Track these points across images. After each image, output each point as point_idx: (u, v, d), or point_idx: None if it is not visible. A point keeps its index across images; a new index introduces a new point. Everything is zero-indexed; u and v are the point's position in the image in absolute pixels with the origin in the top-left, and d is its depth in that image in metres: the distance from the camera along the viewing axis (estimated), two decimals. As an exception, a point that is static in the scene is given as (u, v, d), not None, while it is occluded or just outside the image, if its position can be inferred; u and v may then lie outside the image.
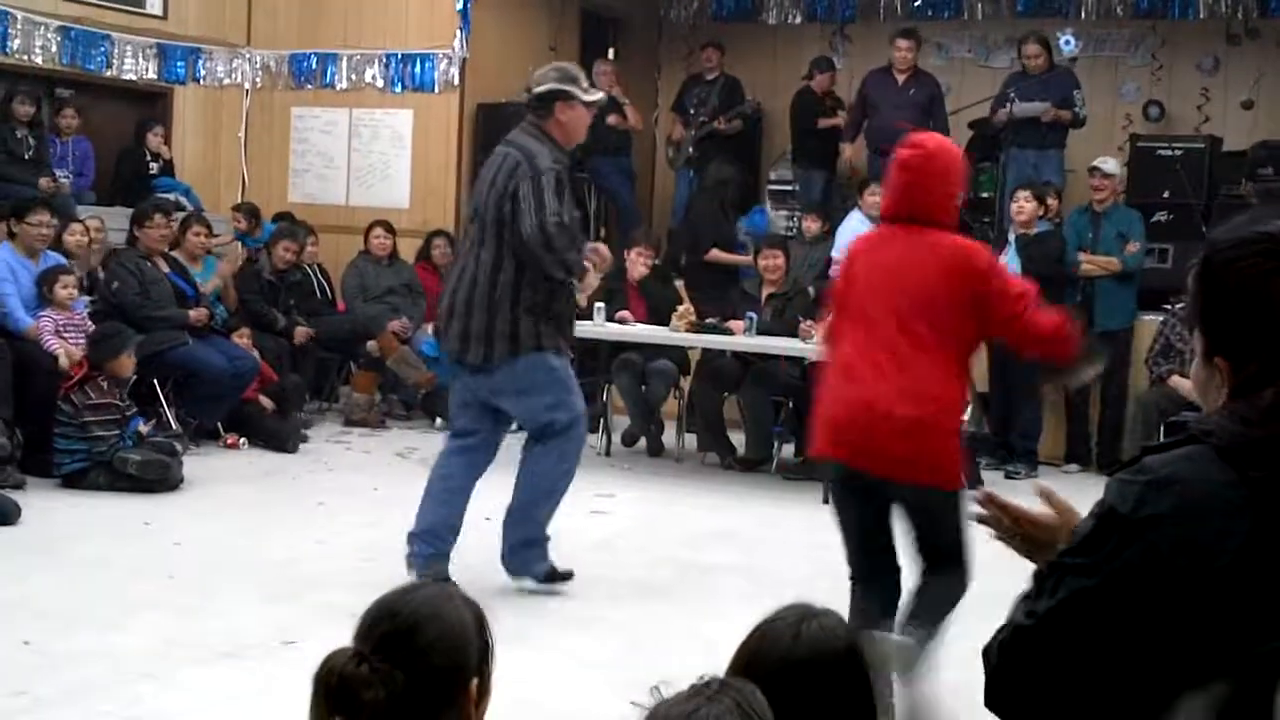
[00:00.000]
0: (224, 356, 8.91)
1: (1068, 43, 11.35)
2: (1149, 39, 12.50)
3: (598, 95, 6.07)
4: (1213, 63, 12.30)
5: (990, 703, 1.82)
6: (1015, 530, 2.08)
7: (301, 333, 9.99)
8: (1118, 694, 1.73)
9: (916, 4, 11.95)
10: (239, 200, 11.78)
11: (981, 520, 2.12)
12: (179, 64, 11.79)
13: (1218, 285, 1.78)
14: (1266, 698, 1.65)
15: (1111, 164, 9.54)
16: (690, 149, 12.11)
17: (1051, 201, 9.77)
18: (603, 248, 6.35)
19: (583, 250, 5.89)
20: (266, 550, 6.54)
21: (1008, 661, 1.80)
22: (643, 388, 9.37)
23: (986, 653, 1.83)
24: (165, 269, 9.03)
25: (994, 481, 8.71)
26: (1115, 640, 1.71)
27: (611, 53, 12.83)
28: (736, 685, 1.84)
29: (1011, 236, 9.28)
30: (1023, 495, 2.18)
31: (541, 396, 5.80)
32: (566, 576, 6.02)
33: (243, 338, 9.33)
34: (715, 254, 10.38)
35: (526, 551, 5.98)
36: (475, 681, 1.99)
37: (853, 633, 2.12)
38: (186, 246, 9.43)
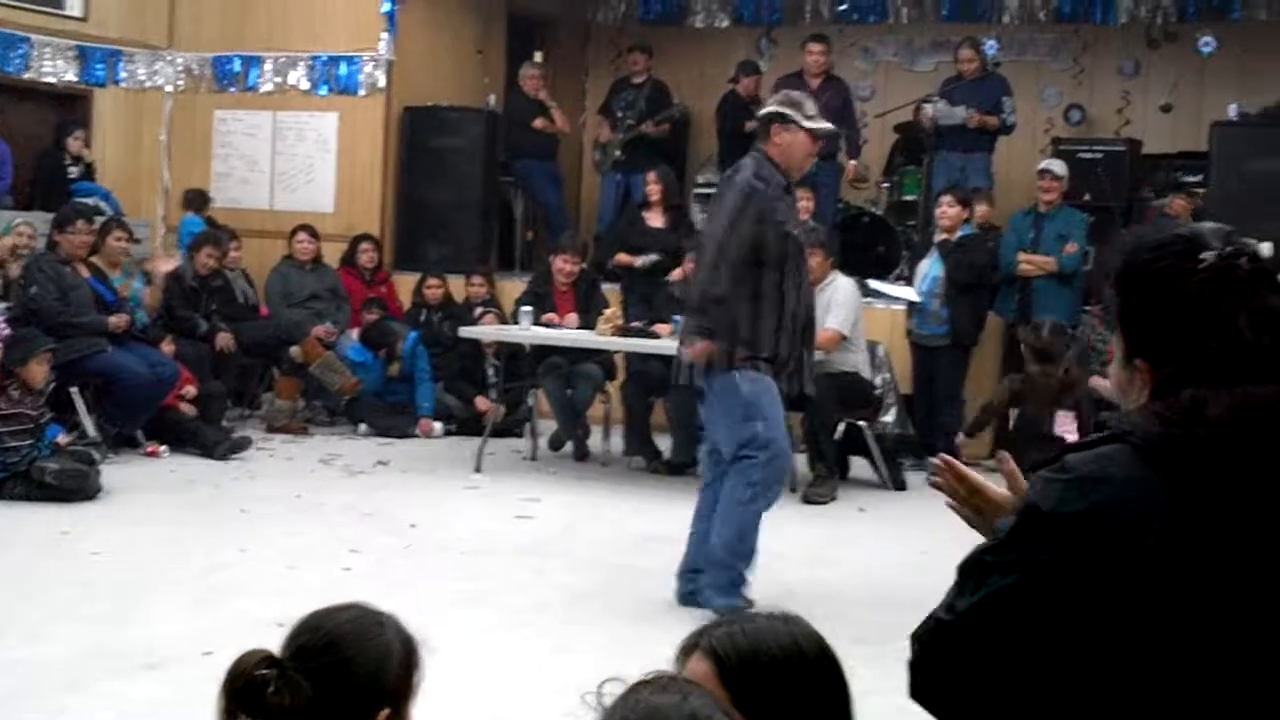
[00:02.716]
0: (144, 363, 8.78)
1: (990, 47, 11.47)
2: (1070, 43, 12.66)
3: (823, 125, 5.96)
4: (1133, 67, 12.48)
5: (914, 694, 1.84)
6: (968, 500, 2.08)
7: (224, 339, 9.87)
8: (1038, 689, 1.74)
9: (842, 8, 12.02)
10: (160, 204, 11.63)
11: (937, 486, 2.12)
12: (99, 66, 11.63)
13: (1135, 288, 1.81)
14: (1183, 693, 1.66)
15: (1060, 166, 9.63)
16: (617, 152, 12.10)
17: (981, 208, 9.82)
18: None
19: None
20: (187, 559, 6.44)
21: (929, 655, 1.81)
22: (569, 392, 9.34)
23: (912, 642, 1.83)
24: (85, 274, 8.90)
25: (917, 483, 8.78)
26: (1034, 637, 1.72)
27: (538, 56, 12.80)
28: (698, 685, 1.82)
29: (936, 241, 9.34)
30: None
31: None
32: None
33: (167, 344, 9.23)
34: (621, 257, 10.34)
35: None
36: (387, 711, 2.00)
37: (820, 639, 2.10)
38: (106, 252, 9.27)
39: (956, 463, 2.11)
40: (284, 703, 1.92)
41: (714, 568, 5.79)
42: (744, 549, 5.79)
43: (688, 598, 5.90)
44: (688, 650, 1.94)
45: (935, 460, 2.16)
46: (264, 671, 1.95)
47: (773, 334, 5.74)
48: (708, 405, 5.93)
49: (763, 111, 5.92)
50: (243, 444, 9.01)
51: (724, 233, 5.68)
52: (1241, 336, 1.73)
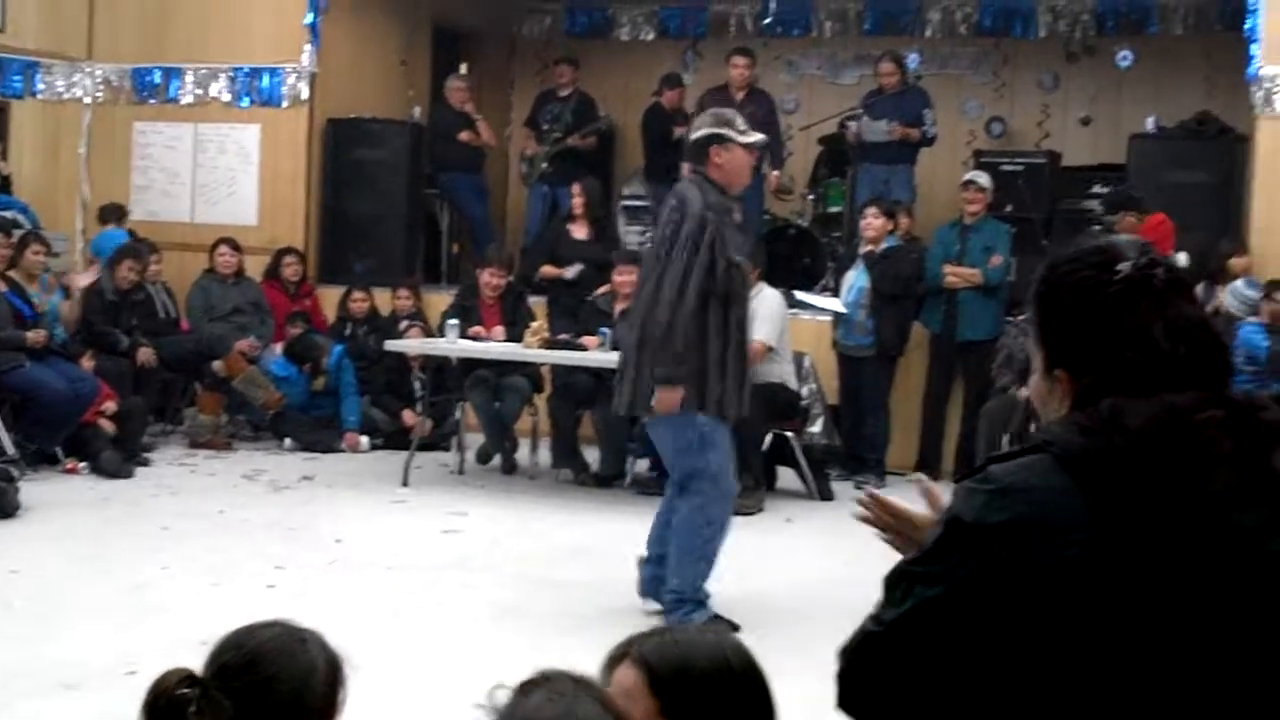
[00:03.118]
0: (63, 378, 8.65)
1: (912, 61, 11.59)
2: (991, 57, 12.82)
3: (757, 137, 5.96)
4: (1052, 80, 12.65)
5: (841, 705, 1.84)
6: (894, 528, 2.10)
7: (145, 354, 9.75)
8: (965, 699, 1.74)
9: (767, 21, 12.09)
10: (79, 217, 11.48)
11: (865, 520, 2.13)
12: (16, 77, 11.46)
13: (1054, 299, 1.83)
14: (1107, 700, 1.67)
15: (985, 178, 9.70)
16: (544, 165, 12.09)
17: (904, 220, 9.91)
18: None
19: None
20: (108, 577, 6.35)
21: (857, 666, 1.82)
22: (496, 405, 9.32)
23: (840, 655, 1.84)
24: (2, 289, 8.76)
25: (844, 493, 8.83)
26: (961, 647, 1.73)
27: (464, 68, 12.78)
28: (586, 679, 1.82)
29: (861, 252, 9.40)
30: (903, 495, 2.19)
31: None
32: None
33: (87, 360, 9.10)
34: (546, 269, 10.34)
35: None
36: None
37: (747, 652, 2.11)
38: (24, 265, 9.13)
39: (880, 495, 2.14)
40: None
41: (684, 604, 5.82)
42: (704, 581, 5.89)
43: (649, 584, 5.99)
44: (616, 659, 1.94)
45: (861, 495, 2.17)
46: (185, 690, 1.92)
47: (732, 375, 5.76)
48: (654, 425, 5.97)
49: (697, 135, 5.88)
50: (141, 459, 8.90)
51: (684, 266, 5.61)
52: (1158, 346, 1.75)
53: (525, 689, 1.76)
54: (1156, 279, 1.77)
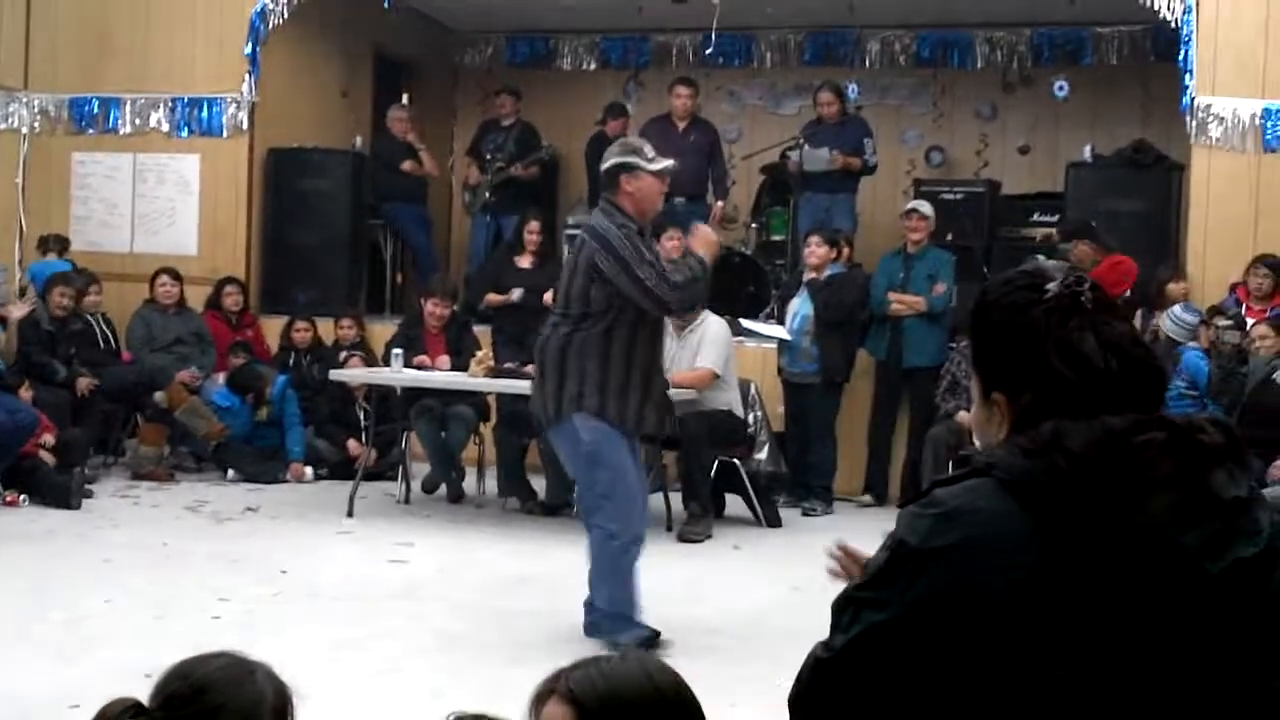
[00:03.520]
0: (2, 410, 8.55)
1: (852, 91, 11.70)
2: (930, 87, 12.97)
3: (664, 163, 6.00)
4: (990, 110, 12.81)
5: None
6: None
7: (84, 383, 9.66)
8: (917, 723, 1.76)
9: (708, 52, 12.18)
10: (16, 248, 11.37)
11: (835, 574, 2.14)
12: (-48, 107, 11.35)
13: (986, 322, 1.87)
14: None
15: (927, 206, 9.80)
16: (487, 194, 12.10)
17: (846, 250, 9.97)
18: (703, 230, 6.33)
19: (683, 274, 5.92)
20: (50, 610, 6.26)
21: (808, 693, 1.82)
22: (443, 434, 9.29)
23: (794, 681, 1.85)
24: (-62, 320, 8.67)
25: (791, 519, 8.86)
26: (910, 671, 1.74)
27: (406, 97, 12.77)
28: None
29: (805, 280, 9.45)
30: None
31: None
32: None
33: (25, 390, 9.00)
34: (490, 297, 10.33)
35: None
36: None
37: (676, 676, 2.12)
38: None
39: (849, 545, 2.15)
40: None
41: (607, 621, 5.88)
42: (628, 598, 5.91)
43: (591, 628, 5.97)
44: (544, 696, 1.94)
45: (832, 548, 2.19)
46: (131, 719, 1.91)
47: (622, 384, 5.82)
48: (555, 435, 6.08)
49: (607, 165, 6.00)
50: (84, 490, 8.81)
51: (629, 272, 5.71)
52: (1089, 362, 1.77)
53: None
54: (1085, 297, 1.80)
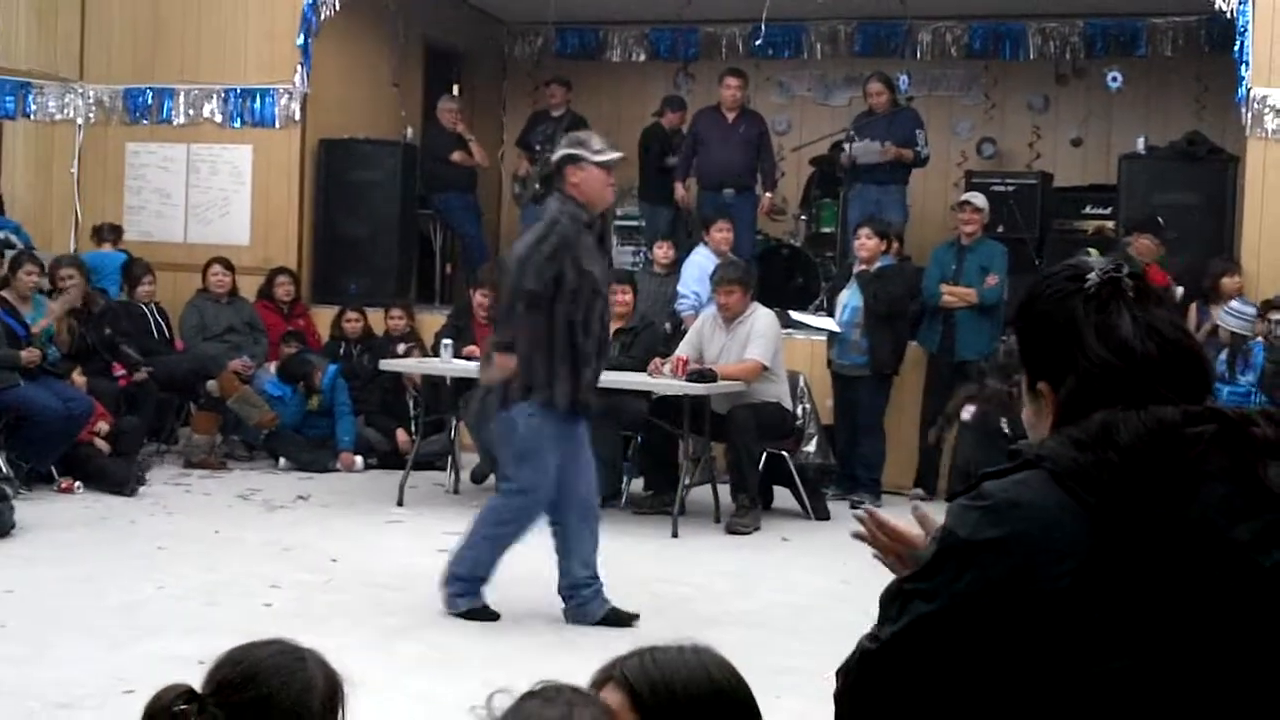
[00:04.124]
0: (57, 398, 8.65)
1: (902, 83, 11.64)
2: (982, 78, 12.90)
3: (612, 155, 6.21)
4: (1043, 101, 12.72)
5: None
6: (890, 548, 2.11)
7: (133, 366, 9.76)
8: (963, 715, 1.75)
9: (757, 43, 12.15)
10: (72, 238, 11.49)
11: (860, 537, 2.15)
12: (8, 98, 11.47)
13: (1030, 315, 1.87)
14: (1103, 717, 1.69)
15: (981, 198, 9.73)
16: (537, 185, 12.10)
17: (895, 244, 9.92)
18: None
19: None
20: (103, 597, 6.34)
21: (855, 684, 1.83)
22: (491, 424, 9.30)
23: (838, 674, 1.85)
24: (-4, 309, 8.77)
25: (840, 512, 8.84)
26: (957, 663, 1.74)
27: (456, 89, 12.81)
28: (585, 690, 1.84)
29: (854, 272, 9.42)
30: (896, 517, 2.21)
31: None
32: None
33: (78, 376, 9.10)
34: None
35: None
36: None
37: (731, 668, 2.13)
38: (17, 286, 9.14)
39: (877, 512, 2.15)
40: None
41: (457, 582, 6.20)
42: (485, 571, 6.23)
43: (575, 613, 6.25)
44: (600, 683, 1.95)
45: (858, 513, 2.20)
46: (183, 706, 1.92)
47: (564, 371, 6.03)
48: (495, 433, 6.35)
49: (555, 158, 6.24)
50: (142, 476, 8.90)
51: (523, 259, 6.00)
52: (1126, 344, 1.77)
53: (526, 695, 1.78)
54: (1125, 284, 1.81)
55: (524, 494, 6.16)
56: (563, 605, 6.26)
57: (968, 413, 8.44)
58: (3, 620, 5.89)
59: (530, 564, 7.36)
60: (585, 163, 6.09)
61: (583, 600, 6.21)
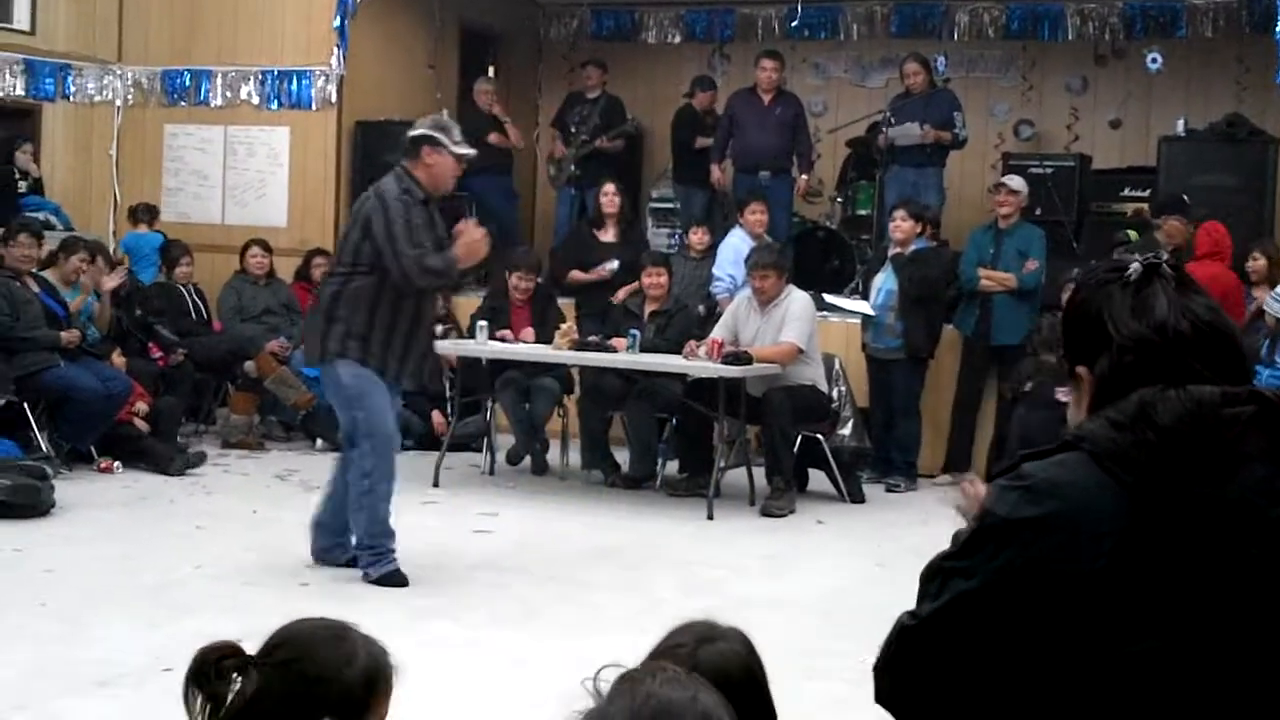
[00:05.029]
0: (96, 378, 8.72)
1: (939, 64, 11.56)
2: (1019, 60, 12.79)
3: (467, 150, 6.42)
4: (1081, 83, 12.62)
5: (879, 699, 1.87)
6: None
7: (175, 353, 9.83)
8: (999, 692, 1.76)
9: (793, 25, 12.09)
10: (110, 219, 11.56)
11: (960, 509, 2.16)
12: (48, 80, 11.55)
13: (1072, 304, 1.90)
14: (1138, 696, 1.69)
15: (1018, 181, 9.65)
16: (572, 167, 12.12)
17: (929, 227, 9.86)
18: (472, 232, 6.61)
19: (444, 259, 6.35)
20: (142, 575, 6.40)
21: (894, 660, 1.85)
22: (526, 406, 9.34)
23: (882, 648, 1.87)
24: (35, 289, 8.83)
25: (875, 495, 8.83)
26: (995, 640, 1.75)
27: (491, 71, 12.81)
28: (705, 682, 1.81)
29: (889, 255, 9.38)
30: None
31: None
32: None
33: (117, 357, 9.17)
34: (574, 275, 10.37)
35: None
36: None
37: (751, 652, 2.12)
38: (63, 271, 9.19)
39: (975, 484, 2.14)
40: (245, 691, 2.00)
41: (364, 552, 6.37)
42: (381, 528, 6.36)
43: (322, 554, 6.54)
44: None
45: (958, 481, 2.20)
46: (227, 660, 2.02)
47: (385, 337, 6.24)
48: (325, 375, 6.52)
49: (413, 133, 6.35)
50: (197, 460, 8.96)
51: (392, 239, 6.15)
52: (1162, 320, 1.78)
53: (637, 677, 1.71)
54: (1164, 271, 1.83)
55: (370, 437, 6.27)
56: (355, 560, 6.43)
57: (1029, 385, 8.59)
58: (43, 599, 5.95)
59: (567, 541, 7.39)
60: (444, 150, 6.26)
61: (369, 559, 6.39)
